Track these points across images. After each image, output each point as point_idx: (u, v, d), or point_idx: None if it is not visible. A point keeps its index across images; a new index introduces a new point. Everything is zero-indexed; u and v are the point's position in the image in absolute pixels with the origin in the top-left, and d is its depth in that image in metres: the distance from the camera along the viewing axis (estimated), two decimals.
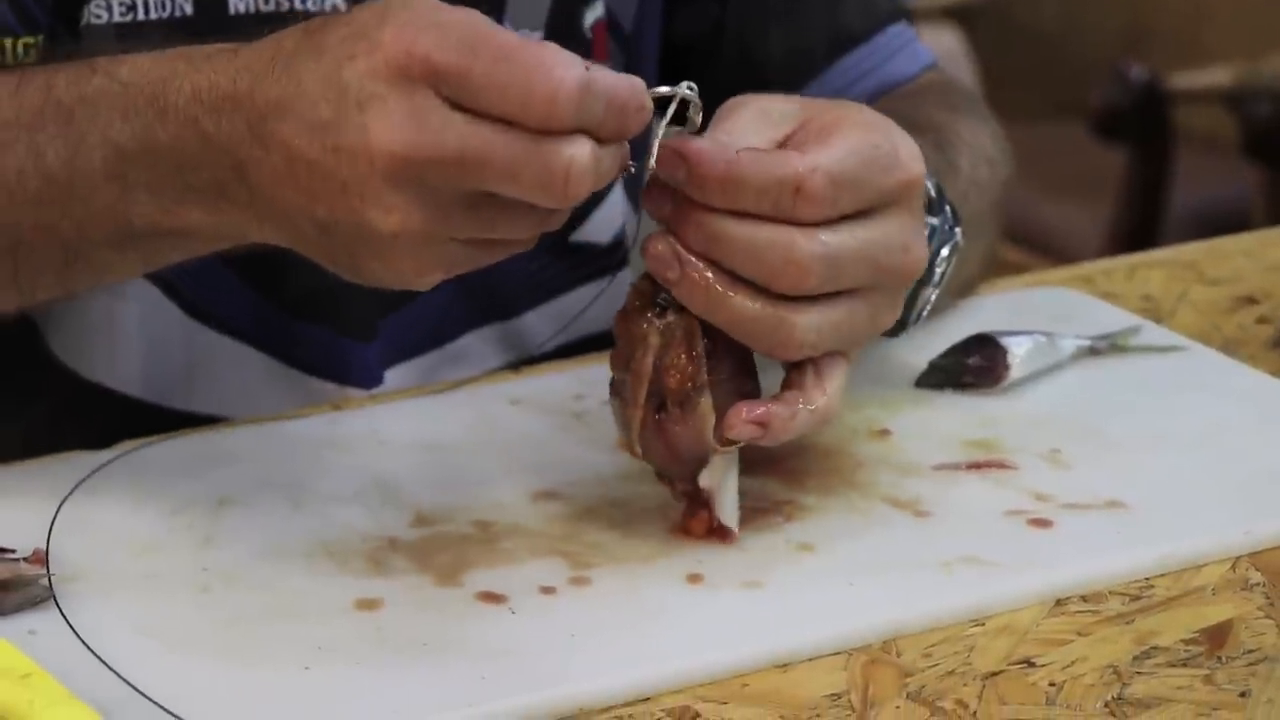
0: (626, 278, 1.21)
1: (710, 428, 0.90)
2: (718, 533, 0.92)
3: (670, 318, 0.89)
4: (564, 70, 0.81)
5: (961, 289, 1.14)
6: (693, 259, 0.88)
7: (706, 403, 0.89)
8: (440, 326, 1.16)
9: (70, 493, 0.95)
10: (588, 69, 0.82)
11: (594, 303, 1.19)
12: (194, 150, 0.87)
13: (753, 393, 0.91)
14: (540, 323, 1.18)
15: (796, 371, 0.91)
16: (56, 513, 0.93)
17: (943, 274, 1.00)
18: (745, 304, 0.88)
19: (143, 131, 0.88)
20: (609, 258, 1.20)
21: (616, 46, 1.19)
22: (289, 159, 0.84)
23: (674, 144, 0.87)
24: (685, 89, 0.87)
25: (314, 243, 0.86)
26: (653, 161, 0.87)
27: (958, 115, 1.15)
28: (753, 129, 0.89)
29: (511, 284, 1.17)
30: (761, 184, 0.86)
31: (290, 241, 0.88)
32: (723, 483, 0.92)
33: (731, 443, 0.90)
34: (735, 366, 0.90)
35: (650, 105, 0.85)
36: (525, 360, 1.17)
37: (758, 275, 0.87)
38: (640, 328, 0.90)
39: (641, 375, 0.90)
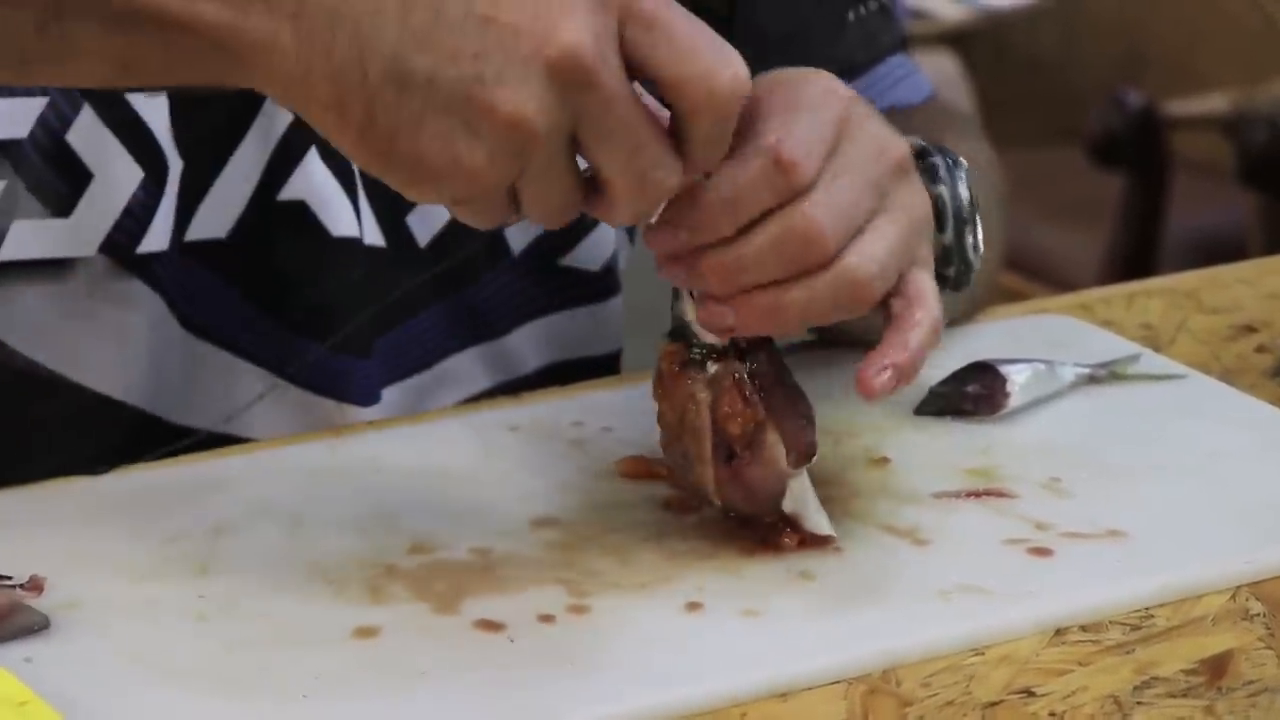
0: (617, 305, 1.21)
1: (783, 458, 0.90)
2: (814, 542, 0.92)
3: (713, 369, 0.90)
4: (742, 66, 0.82)
5: (967, 307, 1.14)
6: (739, 299, 0.88)
7: (774, 436, 0.90)
8: (431, 347, 1.16)
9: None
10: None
11: (582, 325, 1.19)
12: None
13: (806, 406, 0.91)
14: (525, 342, 1.18)
15: (887, 310, 0.92)
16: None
17: (972, 204, 0.99)
18: (802, 294, 0.88)
19: None
20: (599, 283, 1.20)
21: None
22: None
23: (665, 217, 0.87)
24: None
25: (360, 92, 0.80)
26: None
27: (962, 139, 1.15)
28: None
29: (497, 304, 1.17)
30: (751, 185, 0.87)
31: (326, 81, 0.80)
32: (804, 500, 0.92)
33: (805, 461, 0.91)
34: (784, 388, 0.91)
35: None
36: (512, 381, 1.17)
37: (789, 269, 0.88)
38: (686, 388, 0.90)
39: (701, 432, 0.90)
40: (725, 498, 0.91)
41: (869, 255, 0.89)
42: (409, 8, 0.80)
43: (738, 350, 0.90)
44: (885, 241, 0.90)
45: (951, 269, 0.99)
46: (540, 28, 0.80)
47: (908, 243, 0.91)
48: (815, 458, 0.91)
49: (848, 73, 1.21)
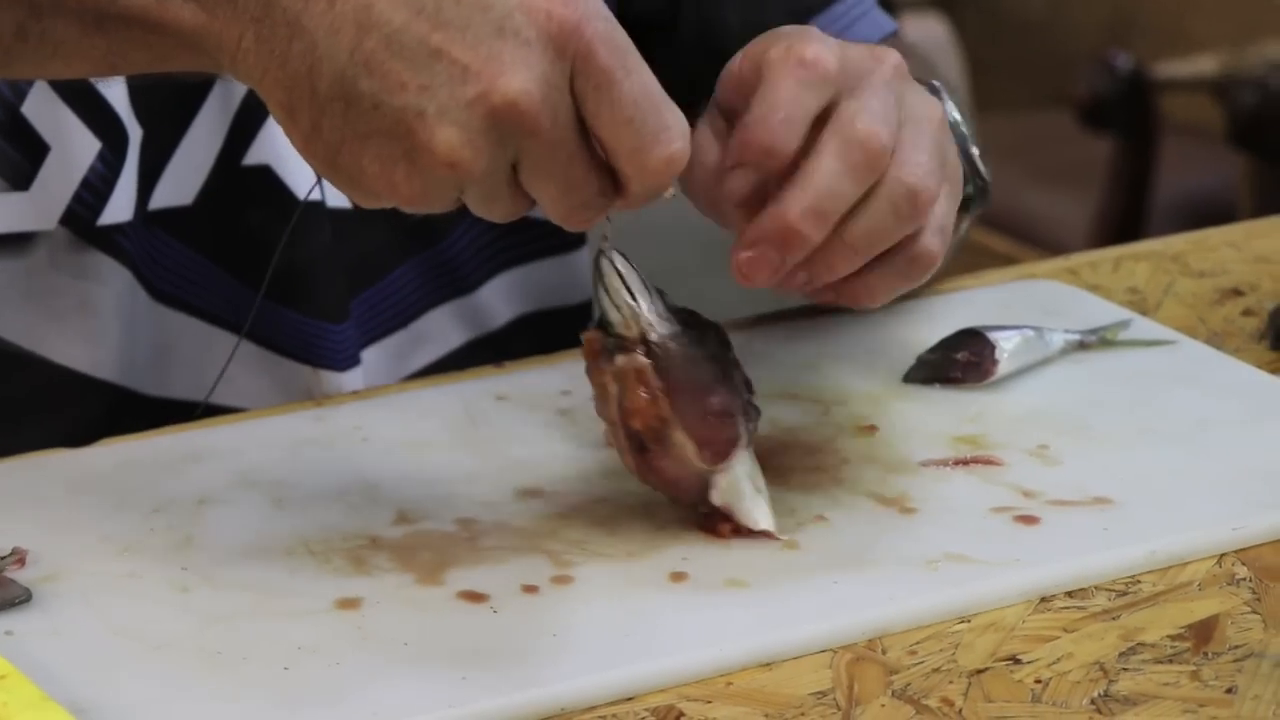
0: (585, 254, 1.21)
1: (691, 456, 0.89)
2: (750, 534, 0.91)
3: (619, 362, 0.89)
4: (682, 143, 0.81)
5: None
6: (817, 255, 0.88)
7: (679, 435, 0.89)
8: (406, 305, 1.16)
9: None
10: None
11: (551, 275, 1.19)
12: None
13: (723, 406, 0.90)
14: (497, 295, 1.18)
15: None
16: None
17: (967, 123, 1.01)
18: (865, 219, 0.87)
19: None
20: (566, 233, 1.19)
21: None
22: (363, 20, 0.79)
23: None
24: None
25: (309, 104, 0.81)
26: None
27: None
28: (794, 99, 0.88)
29: (468, 258, 1.17)
30: (794, 96, 0.86)
31: (279, 87, 0.81)
32: (736, 493, 0.91)
33: (721, 459, 0.90)
34: (697, 383, 0.90)
35: None
36: (486, 336, 1.17)
37: (860, 183, 0.87)
38: (601, 379, 0.90)
39: (614, 422, 0.90)
40: (646, 482, 0.91)
41: (912, 162, 0.88)
42: (365, 30, 0.80)
43: (645, 343, 0.89)
44: (921, 146, 0.88)
45: (970, 186, 1.01)
46: (488, 71, 0.79)
47: (940, 146, 0.90)
48: (738, 452, 0.90)
49: (804, 14, 1.19)
